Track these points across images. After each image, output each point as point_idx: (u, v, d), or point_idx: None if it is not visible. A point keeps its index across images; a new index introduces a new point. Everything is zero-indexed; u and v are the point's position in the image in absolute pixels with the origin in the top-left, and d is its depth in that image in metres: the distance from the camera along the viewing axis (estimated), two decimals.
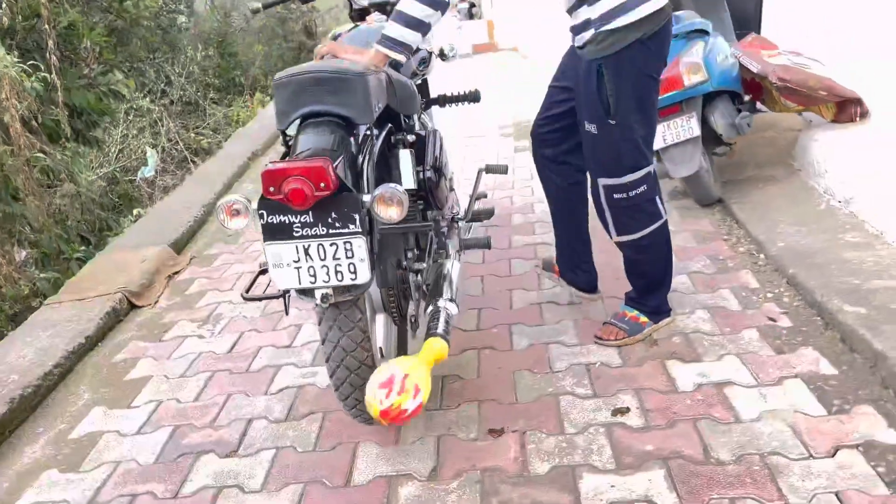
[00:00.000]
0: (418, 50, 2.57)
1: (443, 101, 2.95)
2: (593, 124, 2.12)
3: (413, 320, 2.04)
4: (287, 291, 1.67)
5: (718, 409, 1.97)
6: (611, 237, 2.32)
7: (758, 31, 4.58)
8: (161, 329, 2.91)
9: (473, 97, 2.94)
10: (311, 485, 1.86)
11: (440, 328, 1.78)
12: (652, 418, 1.97)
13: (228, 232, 1.60)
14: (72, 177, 4.79)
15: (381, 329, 2.15)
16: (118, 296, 3.12)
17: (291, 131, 1.73)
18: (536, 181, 4.25)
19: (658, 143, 3.27)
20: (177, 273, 3.49)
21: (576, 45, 2.10)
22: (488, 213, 2.68)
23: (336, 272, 1.55)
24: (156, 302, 3.20)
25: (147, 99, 12.53)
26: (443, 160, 2.17)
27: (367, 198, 1.54)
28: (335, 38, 2.56)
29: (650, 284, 2.36)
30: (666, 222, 2.29)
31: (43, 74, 4.37)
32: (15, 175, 4.06)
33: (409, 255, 2.00)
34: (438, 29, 1.93)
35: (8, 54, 4.12)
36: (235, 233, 1.50)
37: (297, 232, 1.54)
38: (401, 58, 1.84)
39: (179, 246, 3.80)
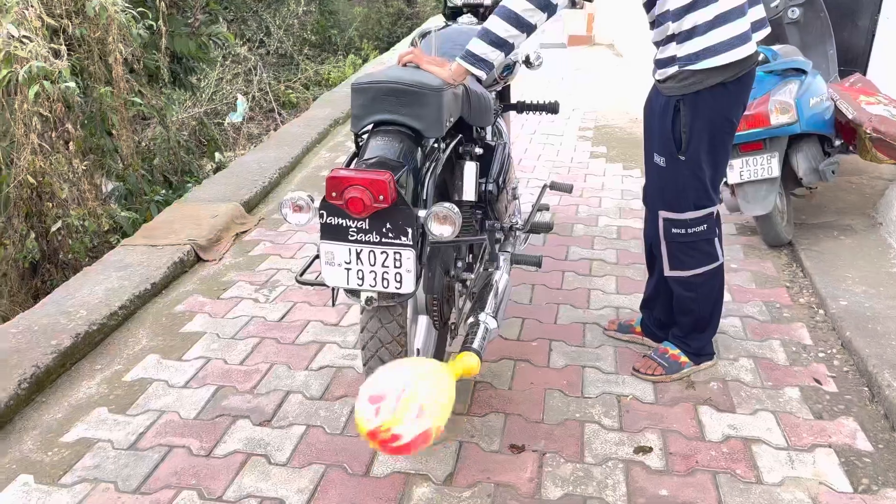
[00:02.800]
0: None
1: (520, 108, 2.97)
2: (662, 157, 2.11)
3: (453, 327, 2.09)
4: (337, 293, 1.75)
5: (742, 466, 1.96)
6: (651, 273, 2.31)
7: (864, 68, 4.38)
8: (221, 287, 3.06)
9: (552, 108, 2.94)
10: (332, 468, 1.95)
11: (476, 343, 1.82)
12: (672, 463, 1.98)
13: (291, 224, 1.67)
14: (163, 121, 5.00)
15: (421, 331, 2.21)
16: (186, 247, 3.28)
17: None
18: (607, 191, 4.23)
19: (734, 178, 3.20)
20: (244, 232, 3.63)
21: (656, 78, 2.08)
22: (547, 227, 2.69)
23: (383, 279, 1.61)
24: (220, 258, 3.35)
25: (245, 47, 12.89)
26: (506, 173, 2.19)
27: (422, 213, 1.58)
28: (424, 35, 2.59)
29: (696, 324, 2.34)
30: (722, 266, 2.26)
31: (150, 22, 4.56)
32: (112, 113, 4.28)
33: (459, 263, 2.05)
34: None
35: None
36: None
37: (352, 236, 1.60)
38: (481, 74, 1.87)
39: (251, 205, 3.95)
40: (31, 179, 3.36)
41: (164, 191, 4.67)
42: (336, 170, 1.56)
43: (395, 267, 1.60)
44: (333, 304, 1.83)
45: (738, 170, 3.16)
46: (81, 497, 1.85)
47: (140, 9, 4.50)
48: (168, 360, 2.49)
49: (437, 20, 2.63)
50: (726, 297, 2.91)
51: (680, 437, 2.08)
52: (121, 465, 1.96)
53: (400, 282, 1.61)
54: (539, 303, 2.90)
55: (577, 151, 5.11)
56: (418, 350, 2.19)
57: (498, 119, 2.79)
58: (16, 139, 3.31)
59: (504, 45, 1.84)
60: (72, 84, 3.38)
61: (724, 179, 3.32)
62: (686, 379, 2.36)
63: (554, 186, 2.88)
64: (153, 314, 2.83)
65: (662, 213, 2.18)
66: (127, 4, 4.29)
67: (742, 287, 3.01)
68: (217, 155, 7.22)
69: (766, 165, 3.13)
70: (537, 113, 2.99)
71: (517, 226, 2.61)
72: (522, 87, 6.53)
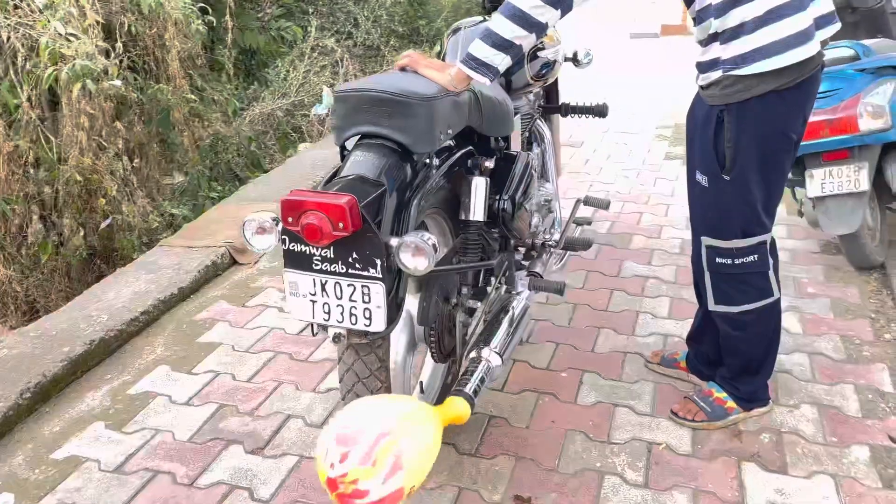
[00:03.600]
0: (542, 59, 2.34)
1: (565, 110, 2.71)
2: (705, 176, 1.82)
3: (453, 362, 1.88)
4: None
5: None
6: (701, 304, 2.01)
7: None
8: (248, 293, 2.96)
9: (600, 112, 2.67)
10: None
11: (469, 386, 1.61)
12: None
13: (254, 250, 1.50)
14: (225, 115, 5.00)
15: (428, 363, 2.02)
16: (222, 250, 3.21)
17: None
18: (677, 198, 3.88)
19: (814, 191, 2.81)
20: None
21: (699, 84, 1.79)
22: (585, 244, 2.43)
23: (351, 314, 1.43)
24: (255, 262, 3.26)
25: (332, 39, 13.01)
26: (527, 187, 1.95)
27: (394, 242, 1.38)
28: (456, 31, 2.39)
29: (746, 367, 2.03)
30: (777, 303, 1.94)
31: (210, 18, 4.55)
32: (170, 113, 4.29)
33: (465, 290, 1.83)
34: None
35: None
36: (264, 252, 1.41)
37: (316, 265, 1.42)
38: (484, 80, 1.64)
39: None
40: (79, 177, 3.39)
41: (220, 188, 4.66)
42: (294, 191, 1.38)
43: (364, 302, 1.41)
44: (314, 334, 1.66)
45: (820, 181, 2.78)
46: None
47: (202, 4, 4.48)
48: (178, 372, 2.40)
49: (471, 19, 2.41)
50: (796, 328, 2.56)
51: (715, 501, 1.79)
52: (101, 490, 1.88)
53: (369, 318, 1.41)
54: (579, 325, 2.64)
55: (650, 152, 4.76)
56: (422, 384, 2.00)
57: (537, 121, 2.55)
58: (65, 137, 3.34)
59: (510, 48, 1.60)
60: (117, 82, 3.37)
61: (803, 194, 2.94)
62: (732, 427, 2.05)
63: (588, 202, 2.60)
64: (175, 321, 2.76)
65: (705, 240, 1.89)
66: (188, 1, 4.28)
67: (817, 316, 2.64)
68: (300, 146, 7.22)
69: (853, 178, 2.73)
70: (583, 116, 2.72)
71: (550, 243, 2.37)
72: (591, 80, 6.19)
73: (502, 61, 1.62)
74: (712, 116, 1.74)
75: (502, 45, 1.60)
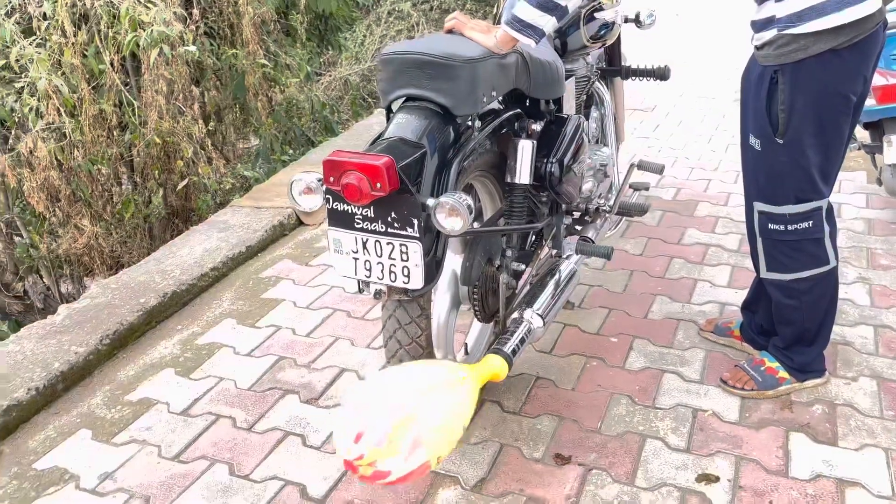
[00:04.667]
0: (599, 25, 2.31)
1: (626, 73, 2.66)
2: (758, 140, 1.78)
3: (496, 323, 1.92)
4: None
5: None
6: (758, 272, 1.97)
7: None
8: (312, 253, 3.08)
9: (661, 74, 2.62)
10: None
11: (508, 345, 1.65)
12: (740, 500, 1.70)
13: (299, 209, 1.58)
14: (299, 81, 5.13)
15: (475, 326, 2.07)
16: (288, 210, 3.34)
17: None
18: None
19: (893, 157, 2.68)
20: None
21: (753, 44, 1.73)
22: (640, 210, 2.40)
23: (390, 272, 1.49)
24: (321, 223, 3.38)
25: (408, 3, 13.01)
26: (577, 151, 1.95)
27: (431, 202, 1.43)
28: None
29: (799, 337, 1.99)
30: (833, 271, 1.89)
31: None
32: (245, 78, 4.43)
33: (509, 252, 1.86)
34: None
35: None
36: (312, 211, 1.48)
37: (358, 224, 1.48)
38: (530, 42, 1.64)
39: None
40: (158, 140, 3.57)
41: (292, 151, 4.81)
42: (335, 152, 1.44)
43: (402, 260, 1.46)
44: (360, 291, 1.73)
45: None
46: (126, 458, 1.94)
47: None
48: (242, 325, 2.54)
49: None
50: (863, 300, 2.47)
51: (757, 469, 1.78)
52: (169, 430, 2.03)
53: (408, 276, 1.47)
54: (633, 292, 2.63)
55: (724, 118, 4.60)
56: (467, 345, 2.05)
57: (595, 84, 2.52)
58: (144, 101, 3.52)
59: (555, 9, 1.60)
60: (192, 48, 3.52)
61: (882, 160, 2.80)
62: (784, 398, 2.02)
63: (642, 166, 2.56)
64: (243, 277, 2.91)
65: (758, 205, 1.85)
66: None
67: (887, 289, 2.54)
68: (376, 111, 7.32)
69: None
70: (644, 79, 2.67)
71: (604, 208, 2.36)
72: (670, 41, 5.99)
73: (547, 23, 1.62)
74: (766, 77, 1.69)
75: (547, 5, 1.59)
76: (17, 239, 3.61)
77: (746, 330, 2.21)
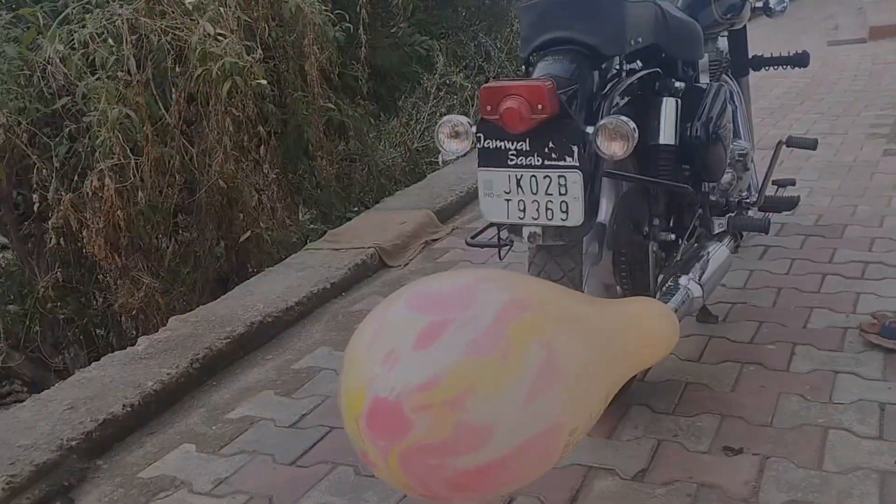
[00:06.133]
0: None
1: (758, 63, 2.96)
2: None
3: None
4: (501, 234, 1.89)
5: None
6: None
7: None
8: None
9: (799, 61, 2.90)
10: None
11: (672, 302, 1.85)
12: None
13: (445, 156, 1.86)
14: (359, 135, 5.58)
15: None
16: (370, 251, 3.64)
17: None
18: None
19: None
20: (435, 240, 3.93)
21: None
22: (790, 203, 2.62)
23: (547, 209, 1.73)
24: (406, 264, 3.66)
25: (461, 75, 13.82)
26: (724, 119, 2.21)
27: (590, 129, 1.69)
28: None
29: None
30: None
31: (347, 24, 5.18)
32: (307, 127, 4.88)
33: (656, 221, 2.10)
34: None
35: (320, 2, 4.98)
36: (453, 159, 1.70)
37: (512, 160, 1.75)
38: None
39: (445, 215, 4.26)
40: (223, 184, 3.96)
41: (356, 209, 5.19)
42: (492, 81, 1.73)
43: (560, 194, 1.71)
44: (501, 258, 1.97)
45: None
46: (240, 465, 2.15)
47: (338, 11, 5.13)
48: (339, 351, 2.79)
49: None
50: None
51: None
52: (281, 441, 2.25)
53: (566, 212, 1.71)
54: (785, 306, 2.80)
55: (863, 150, 4.84)
56: None
57: (724, 76, 2.81)
58: (208, 142, 3.94)
59: None
60: (264, 81, 3.96)
61: None
62: None
63: (792, 143, 2.80)
64: (331, 312, 3.18)
65: None
66: (325, 7, 4.93)
67: None
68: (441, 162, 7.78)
69: None
70: (782, 68, 2.95)
71: (748, 200, 2.59)
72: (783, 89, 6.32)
73: None
74: None
75: None
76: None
77: None
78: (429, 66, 8.16)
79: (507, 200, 1.78)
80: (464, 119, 1.81)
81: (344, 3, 6.17)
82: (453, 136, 1.82)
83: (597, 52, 1.87)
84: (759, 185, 2.72)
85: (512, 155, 1.75)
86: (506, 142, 1.75)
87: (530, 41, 1.93)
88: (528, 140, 1.73)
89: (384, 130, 9.01)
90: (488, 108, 1.71)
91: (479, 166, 1.81)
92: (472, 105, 14.20)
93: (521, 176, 1.75)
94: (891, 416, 2.08)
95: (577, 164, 1.69)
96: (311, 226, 4.54)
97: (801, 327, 2.63)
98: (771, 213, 2.71)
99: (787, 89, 6.82)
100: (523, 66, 1.99)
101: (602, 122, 1.67)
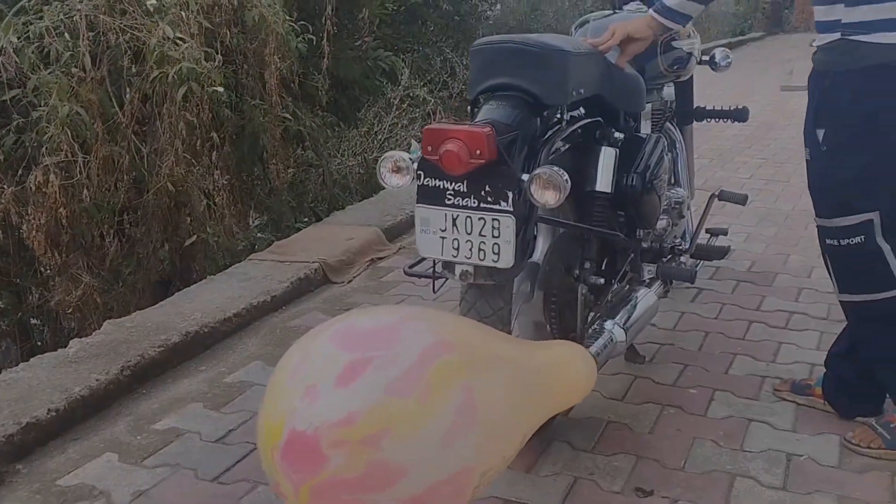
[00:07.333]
0: (673, 40, 2.72)
1: (700, 114, 3.06)
2: (807, 149, 2.13)
3: (571, 339, 2.19)
4: (437, 268, 1.94)
5: None
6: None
7: None
8: (343, 307, 3.37)
9: (738, 116, 3.00)
10: None
11: (594, 347, 1.92)
12: None
13: (386, 188, 1.91)
14: (315, 145, 5.60)
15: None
16: (315, 265, 3.66)
17: None
18: None
19: None
20: (381, 258, 3.97)
21: (814, 44, 2.09)
22: (720, 252, 2.72)
23: (479, 250, 1.78)
24: (349, 281, 3.69)
25: (425, 89, 13.89)
26: (659, 170, 2.29)
27: (525, 176, 1.75)
28: (584, 23, 2.81)
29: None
30: None
31: (310, 36, 5.21)
32: (263, 134, 4.89)
33: (587, 265, 2.16)
34: None
35: (285, 12, 5.00)
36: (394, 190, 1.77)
37: (449, 200, 1.80)
38: (675, 27, 2.15)
39: (393, 233, 4.30)
40: (171, 187, 3.95)
41: (306, 219, 5.20)
42: (435, 122, 1.78)
43: (493, 236, 1.76)
44: (435, 291, 2.02)
45: None
46: (161, 478, 2.16)
47: (302, 22, 5.15)
48: (273, 367, 2.79)
49: (597, 13, 2.84)
50: None
51: None
52: (205, 455, 2.26)
53: (497, 254, 1.77)
54: (710, 352, 2.89)
55: (802, 199, 4.99)
56: None
57: (667, 124, 2.90)
58: (160, 144, 3.93)
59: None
60: (220, 88, 3.97)
61: None
62: None
63: (723, 196, 2.90)
64: (269, 326, 3.19)
65: (816, 220, 2.18)
66: (289, 18, 4.95)
67: None
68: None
69: None
70: (722, 121, 3.06)
71: (680, 247, 2.68)
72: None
73: (694, 10, 2.11)
74: (818, 82, 2.05)
75: None
76: None
77: (830, 386, 2.42)
78: (393, 79, 8.21)
79: (443, 238, 1.83)
80: (405, 155, 1.86)
81: (311, 12, 6.20)
82: (395, 170, 1.86)
83: (539, 100, 1.93)
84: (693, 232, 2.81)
85: (450, 195, 1.80)
86: (444, 181, 1.80)
87: (477, 84, 1.99)
88: (465, 182, 1.78)
89: (344, 138, 9.03)
90: (429, 148, 1.76)
91: (417, 203, 1.85)
92: (434, 118, 14.24)
93: (457, 216, 1.80)
94: (796, 468, 2.16)
95: (511, 208, 1.75)
96: (260, 234, 4.54)
97: (723, 373, 2.72)
98: (702, 261, 2.81)
99: (738, 131, 7.01)
100: (469, 107, 2.05)
101: (537, 171, 1.73)
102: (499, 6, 16.25)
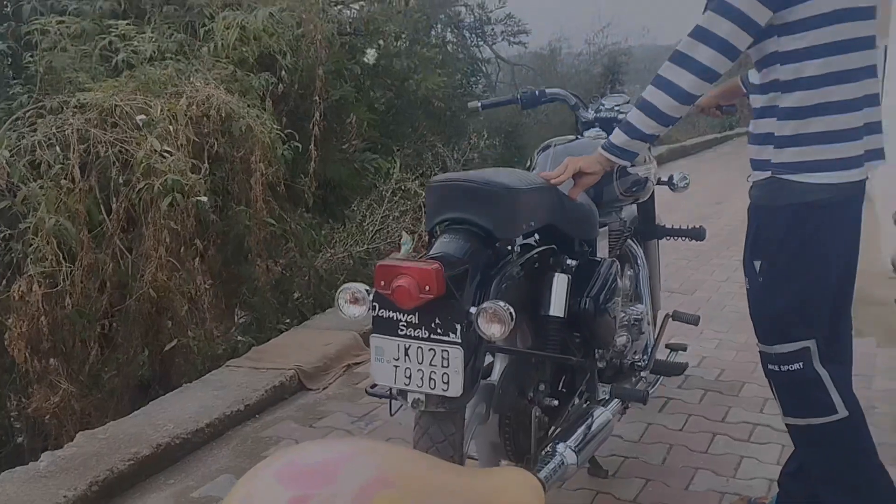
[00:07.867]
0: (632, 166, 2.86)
1: (661, 232, 3.18)
2: (746, 278, 2.24)
3: (526, 461, 2.25)
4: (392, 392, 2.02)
5: None
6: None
7: None
8: (316, 416, 3.43)
9: (696, 235, 3.13)
10: None
11: (543, 472, 1.98)
12: None
13: (344, 318, 2.01)
14: (300, 247, 5.73)
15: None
16: (290, 372, 3.73)
17: None
18: None
19: None
20: (357, 364, 4.04)
21: (749, 179, 2.21)
22: (678, 368, 2.80)
23: (430, 379, 1.87)
24: (325, 388, 3.75)
25: (416, 182, 14.15)
26: (611, 293, 2.40)
27: (473, 309, 1.85)
28: (546, 148, 2.95)
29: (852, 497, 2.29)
30: (846, 421, 2.16)
31: (296, 144, 5.40)
32: (247, 237, 5.02)
33: (542, 387, 2.24)
34: None
35: (273, 120, 5.19)
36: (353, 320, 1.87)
37: (402, 330, 1.89)
38: (623, 163, 2.27)
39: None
40: (153, 293, 4.04)
41: (288, 320, 5.28)
42: (387, 259, 1.89)
43: (443, 366, 1.85)
44: (392, 414, 2.09)
45: None
46: None
47: (289, 130, 5.35)
48: None
49: (561, 138, 2.99)
50: None
51: None
52: None
53: (447, 383, 1.85)
54: (673, 466, 2.94)
55: None
56: None
57: (628, 241, 3.02)
58: (144, 250, 4.04)
59: (646, 138, 2.19)
60: (203, 198, 4.11)
61: None
62: None
63: (676, 317, 2.99)
64: (241, 436, 3.24)
65: (758, 346, 2.27)
66: (276, 126, 5.14)
67: None
68: None
69: None
70: (679, 239, 3.18)
71: (639, 363, 2.76)
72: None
73: (641, 147, 2.23)
74: (754, 216, 2.17)
75: (639, 136, 2.17)
76: None
77: None
78: (383, 175, 8.41)
79: (396, 367, 1.91)
80: (362, 287, 1.96)
81: (300, 116, 6.42)
82: (353, 301, 1.96)
83: (490, 233, 2.05)
84: (652, 349, 2.90)
85: (402, 326, 1.90)
86: (397, 313, 1.90)
87: (432, 217, 2.11)
88: (417, 314, 1.88)
89: (335, 230, 9.17)
90: (382, 283, 1.87)
91: (372, 333, 1.95)
92: (424, 212, 14.34)
93: (409, 346, 1.89)
94: None
95: (460, 340, 1.84)
96: (240, 338, 4.62)
97: (684, 489, 2.76)
98: (660, 377, 2.89)
99: (718, 231, 7.14)
100: (426, 237, 2.16)
101: (483, 305, 1.83)
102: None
